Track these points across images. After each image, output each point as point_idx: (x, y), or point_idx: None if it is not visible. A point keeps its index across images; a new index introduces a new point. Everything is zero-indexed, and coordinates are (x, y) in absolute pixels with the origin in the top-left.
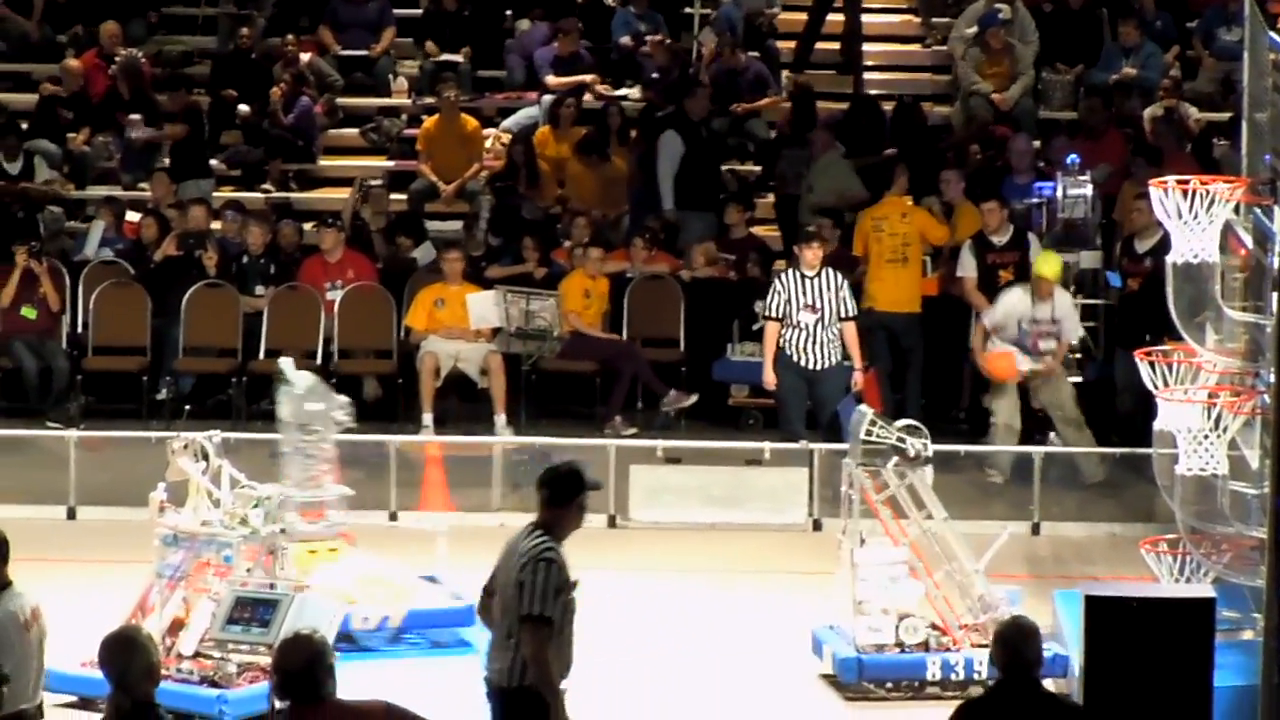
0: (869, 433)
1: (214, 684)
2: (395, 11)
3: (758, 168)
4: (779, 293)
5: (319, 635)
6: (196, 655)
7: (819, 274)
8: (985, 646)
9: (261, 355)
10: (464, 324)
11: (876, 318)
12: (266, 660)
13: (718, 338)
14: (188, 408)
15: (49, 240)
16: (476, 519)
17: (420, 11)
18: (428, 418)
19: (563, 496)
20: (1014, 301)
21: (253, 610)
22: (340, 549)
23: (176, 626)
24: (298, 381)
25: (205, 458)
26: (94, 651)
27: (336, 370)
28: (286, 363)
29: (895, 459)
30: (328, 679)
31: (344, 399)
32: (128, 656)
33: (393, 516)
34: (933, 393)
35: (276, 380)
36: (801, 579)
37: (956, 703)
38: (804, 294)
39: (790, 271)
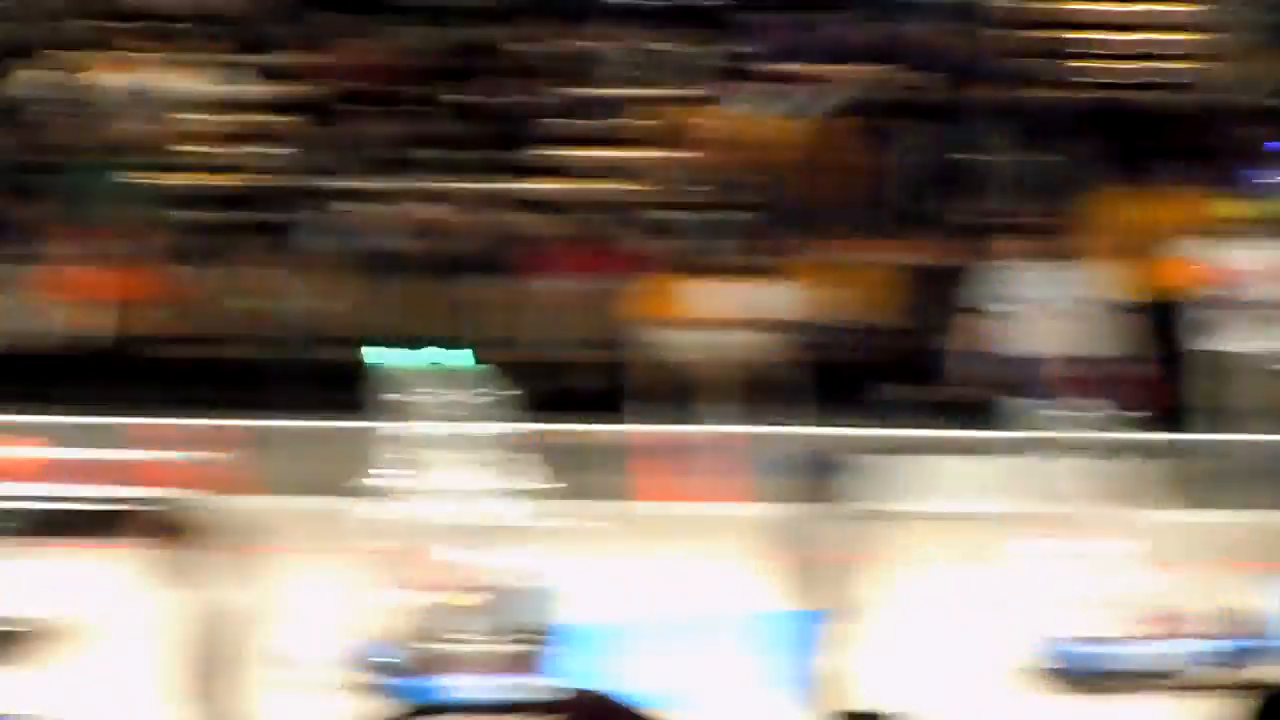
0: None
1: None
2: None
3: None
4: (1006, 284)
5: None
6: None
7: (1049, 265)
8: (1206, 636)
9: None
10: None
11: (1120, 305)
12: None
13: None
14: None
15: None
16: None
17: None
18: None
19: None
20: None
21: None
22: None
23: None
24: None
25: None
26: None
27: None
28: (421, 353)
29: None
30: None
31: (482, 389)
32: None
33: (619, 509)
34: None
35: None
36: None
37: (1177, 693)
38: (1033, 285)
39: (1015, 262)
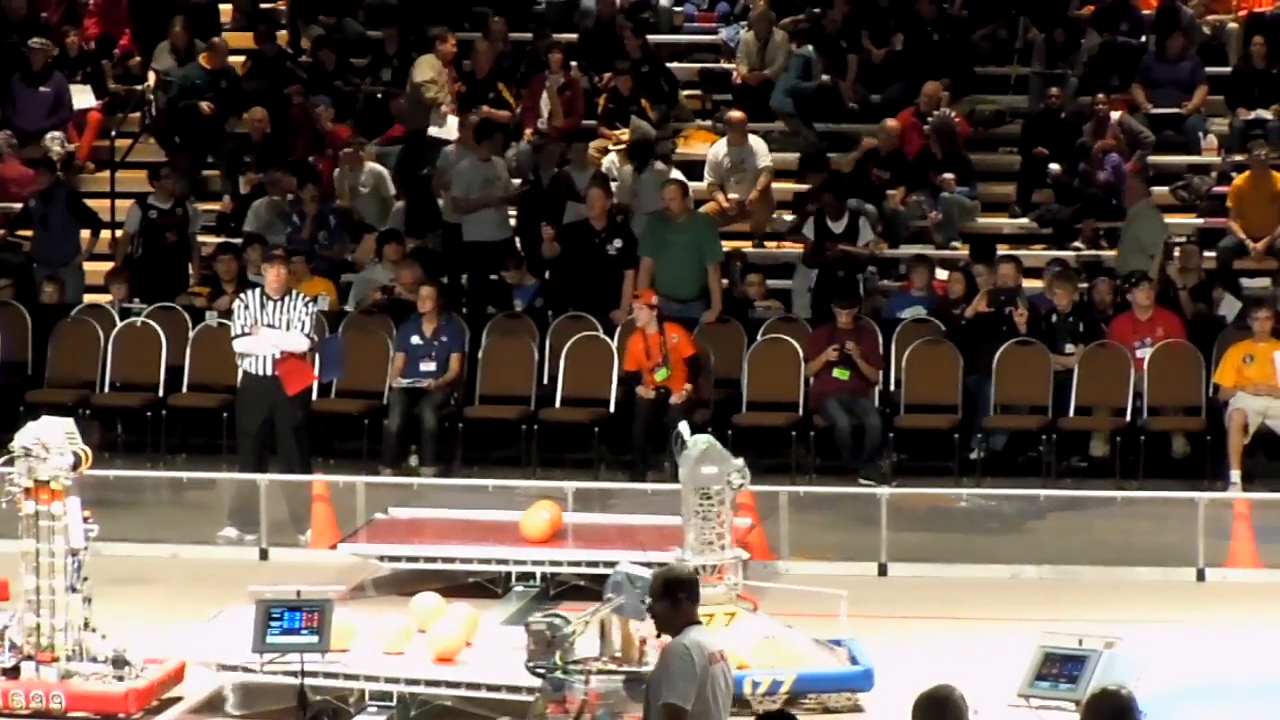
0: None
1: None
2: (1207, 69)
3: None
4: None
5: (1127, 691)
6: None
7: None
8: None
9: (1071, 413)
10: (1272, 381)
11: None
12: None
13: None
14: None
15: (865, 299)
16: None
17: (1229, 69)
18: (1235, 474)
19: None
20: None
21: (1061, 666)
22: (738, 613)
23: None
24: (693, 445)
25: None
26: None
27: (1144, 427)
28: (683, 426)
29: None
30: None
31: (739, 462)
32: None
33: (1200, 574)
34: None
35: (674, 444)
36: None
37: None
38: None
39: None
